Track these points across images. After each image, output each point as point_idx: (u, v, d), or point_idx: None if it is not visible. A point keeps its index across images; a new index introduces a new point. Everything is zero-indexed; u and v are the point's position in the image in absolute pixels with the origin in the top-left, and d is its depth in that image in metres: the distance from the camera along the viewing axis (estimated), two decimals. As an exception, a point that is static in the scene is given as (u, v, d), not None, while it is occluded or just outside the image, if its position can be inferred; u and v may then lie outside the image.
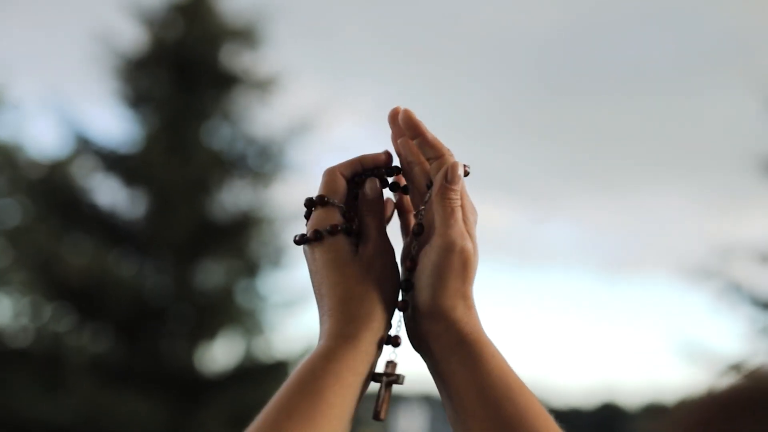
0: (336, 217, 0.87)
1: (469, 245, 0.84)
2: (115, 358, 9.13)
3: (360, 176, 0.91)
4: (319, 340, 0.83)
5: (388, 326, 0.85)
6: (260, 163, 10.04)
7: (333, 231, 0.86)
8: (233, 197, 9.91)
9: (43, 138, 12.77)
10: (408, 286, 0.86)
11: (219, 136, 10.02)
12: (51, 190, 9.81)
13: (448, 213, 0.85)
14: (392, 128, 0.93)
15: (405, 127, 0.91)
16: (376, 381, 0.83)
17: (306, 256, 0.88)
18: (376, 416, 0.83)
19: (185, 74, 9.92)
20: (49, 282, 9.22)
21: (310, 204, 0.89)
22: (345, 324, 0.82)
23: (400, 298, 0.87)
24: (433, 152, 0.89)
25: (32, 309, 11.70)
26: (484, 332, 0.84)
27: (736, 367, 0.40)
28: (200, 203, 9.61)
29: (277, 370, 9.56)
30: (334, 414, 0.76)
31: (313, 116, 10.21)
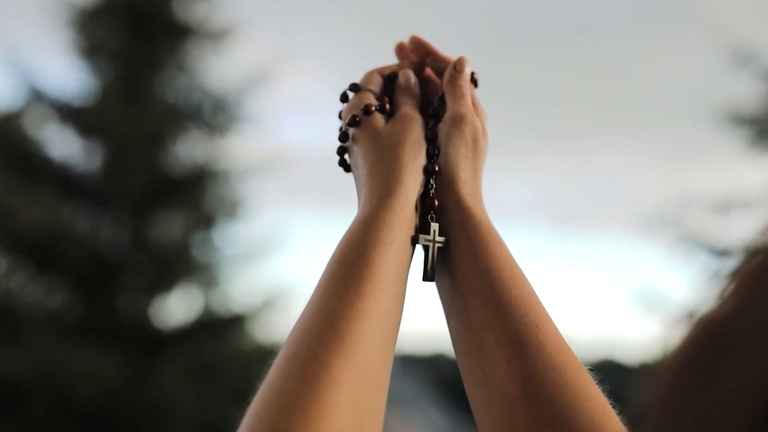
0: (370, 99, 0.91)
1: (478, 122, 0.90)
2: (71, 312, 9.10)
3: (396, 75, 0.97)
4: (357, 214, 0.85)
5: (422, 190, 0.86)
6: (216, 115, 9.98)
7: (367, 111, 0.89)
8: (189, 149, 9.86)
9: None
10: (434, 150, 0.88)
11: (174, 87, 9.94)
12: (3, 143, 9.68)
13: (459, 95, 0.92)
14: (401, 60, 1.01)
15: (414, 49, 1.00)
16: (419, 243, 0.83)
17: (349, 154, 0.91)
18: (426, 277, 0.84)
19: (140, 25, 9.80)
20: (3, 236, 9.13)
21: (345, 97, 0.94)
22: (377, 185, 0.84)
23: None
24: (445, 64, 0.97)
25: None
26: (491, 222, 0.85)
27: (689, 315, 0.40)
28: (156, 156, 9.55)
29: (234, 323, 9.59)
30: (382, 274, 0.76)
31: (269, 68, 10.16)
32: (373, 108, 0.89)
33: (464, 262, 0.82)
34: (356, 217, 0.82)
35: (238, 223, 10.08)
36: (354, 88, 0.93)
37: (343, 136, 0.91)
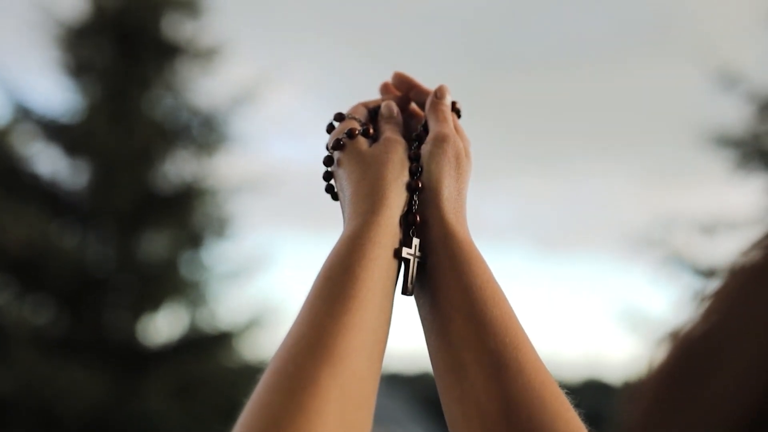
0: (354, 125, 0.94)
1: (460, 142, 0.92)
2: (57, 329, 9.07)
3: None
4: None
5: (406, 207, 0.87)
6: (203, 133, 9.99)
7: (351, 134, 0.92)
8: (176, 168, 9.85)
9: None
10: (417, 168, 0.90)
11: (162, 106, 9.95)
12: (-9, 160, 9.67)
13: (441, 119, 0.94)
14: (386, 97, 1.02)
15: (398, 84, 1.03)
16: (401, 258, 0.84)
17: (335, 179, 0.93)
18: (405, 291, 0.85)
19: (127, 43, 9.82)
20: (-10, 253, 9.11)
21: (331, 127, 0.96)
22: (361, 202, 0.85)
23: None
24: (428, 96, 0.99)
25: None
26: (473, 241, 0.87)
27: (671, 334, 0.41)
28: (143, 174, 9.54)
29: (221, 341, 9.57)
30: (368, 289, 0.77)
31: (256, 87, 10.18)
32: (357, 132, 0.92)
33: (446, 279, 0.83)
34: (342, 235, 0.83)
35: (225, 242, 10.08)
36: (339, 117, 0.96)
37: (328, 160, 0.93)
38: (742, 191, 10.91)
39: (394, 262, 0.83)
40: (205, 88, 10.16)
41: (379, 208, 0.84)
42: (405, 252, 0.84)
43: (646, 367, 0.40)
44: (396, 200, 0.86)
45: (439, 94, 0.97)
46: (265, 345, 9.71)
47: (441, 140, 0.90)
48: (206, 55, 10.18)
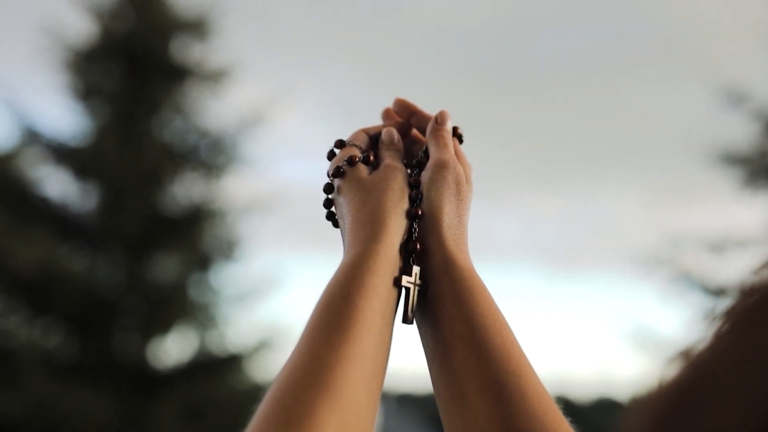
0: (355, 152, 0.93)
1: (460, 169, 0.91)
2: (67, 352, 9.08)
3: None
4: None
5: (406, 234, 0.87)
6: (212, 155, 10.01)
7: (351, 161, 0.91)
8: (185, 190, 9.87)
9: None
10: (417, 195, 0.89)
11: (170, 128, 9.98)
12: (0, 183, 9.70)
13: (441, 144, 0.93)
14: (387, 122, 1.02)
15: (399, 110, 1.02)
16: (402, 286, 0.83)
17: (335, 206, 0.93)
18: (406, 320, 0.84)
19: (136, 66, 9.86)
20: (0, 277, 9.12)
21: (332, 154, 0.95)
22: (361, 230, 0.85)
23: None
24: (429, 122, 0.98)
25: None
26: (474, 269, 0.86)
27: (682, 353, 0.41)
28: (152, 196, 9.56)
29: (231, 363, 9.55)
30: (366, 319, 0.76)
31: (264, 109, 10.21)
32: (357, 159, 0.91)
33: (447, 307, 0.82)
34: (341, 263, 0.83)
35: (234, 263, 10.09)
36: (339, 144, 0.95)
37: (328, 188, 0.93)
38: (749, 209, 10.91)
39: (394, 291, 0.82)
40: (213, 110, 10.19)
41: (379, 236, 0.84)
42: (405, 280, 0.83)
43: (654, 385, 0.40)
44: (396, 228, 0.85)
45: (439, 119, 0.96)
46: (275, 367, 9.69)
47: (441, 167, 0.90)
48: (214, 78, 10.21)
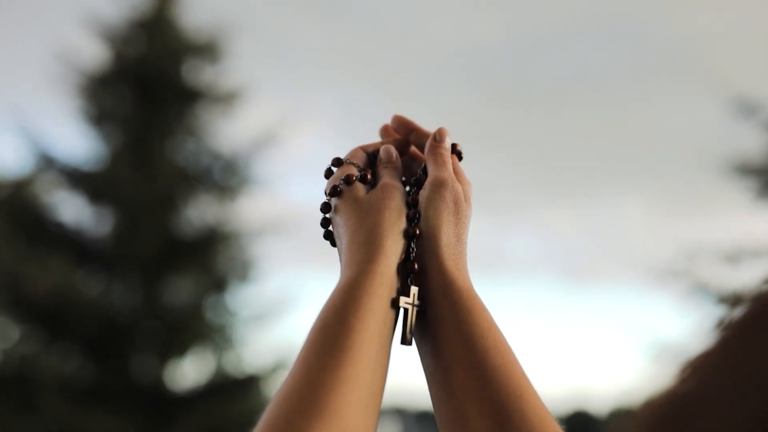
0: (352, 171, 0.92)
1: (459, 187, 0.89)
2: (84, 377, 9.08)
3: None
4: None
5: (404, 255, 0.85)
6: (226, 177, 10.03)
7: (348, 180, 0.90)
8: (199, 212, 9.89)
9: (4, 157, 12.66)
10: (414, 214, 0.88)
11: (184, 151, 10.00)
12: (16, 209, 9.74)
13: (439, 162, 0.91)
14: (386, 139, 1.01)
15: (397, 128, 1.00)
16: (399, 307, 0.82)
17: (333, 226, 0.91)
18: (404, 341, 0.83)
19: (148, 90, 9.90)
20: (16, 302, 9.15)
21: (329, 172, 0.94)
22: (357, 251, 0.83)
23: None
24: (428, 139, 0.96)
25: (0, 331, 11.62)
26: (474, 289, 0.84)
27: (685, 362, 0.41)
28: (167, 219, 9.58)
29: (248, 385, 9.54)
30: (361, 339, 0.75)
31: (276, 130, 10.23)
32: (354, 178, 0.90)
33: (446, 328, 0.81)
34: (337, 285, 0.81)
35: (250, 285, 10.08)
36: (337, 162, 0.94)
37: (325, 207, 0.91)
38: (764, 219, 10.87)
39: (391, 312, 0.81)
40: (226, 132, 10.22)
41: (376, 256, 0.82)
42: (403, 301, 0.82)
43: (655, 393, 0.40)
44: (393, 248, 0.84)
45: (438, 137, 0.94)
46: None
47: (439, 185, 0.88)
48: (226, 99, 10.25)
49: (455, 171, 0.93)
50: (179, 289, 9.58)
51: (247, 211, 10.10)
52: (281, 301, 10.03)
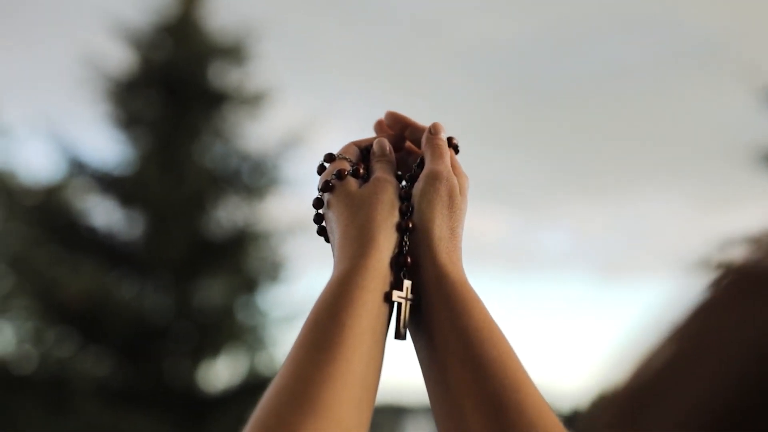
0: (344, 166, 0.91)
1: (454, 180, 0.88)
2: (118, 379, 9.13)
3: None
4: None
5: (397, 249, 0.84)
6: (254, 178, 10.06)
7: (340, 175, 0.89)
8: (229, 214, 9.92)
9: (36, 163, 12.77)
10: (407, 208, 0.87)
11: (212, 153, 10.04)
12: (48, 215, 9.82)
13: (437, 155, 0.90)
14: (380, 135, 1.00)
15: (392, 124, 0.99)
16: (392, 301, 0.81)
17: (326, 221, 0.90)
18: (398, 335, 0.82)
19: (175, 94, 9.94)
20: (50, 307, 9.22)
21: (321, 168, 0.93)
22: (349, 246, 0.83)
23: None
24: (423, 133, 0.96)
25: (35, 335, 11.72)
26: (468, 281, 0.83)
27: (645, 350, 0.40)
28: (196, 221, 9.62)
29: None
30: (354, 334, 0.74)
31: (304, 130, 10.24)
32: (346, 172, 0.89)
33: (440, 322, 0.80)
34: (329, 280, 0.81)
35: (280, 285, 10.10)
36: (329, 158, 0.93)
37: (318, 203, 0.90)
38: (797, 209, 10.78)
39: (384, 307, 0.80)
40: (253, 133, 10.25)
41: (368, 250, 0.81)
42: (396, 295, 0.81)
43: (616, 382, 0.39)
44: (385, 242, 0.83)
45: (433, 130, 0.93)
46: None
47: (433, 178, 0.87)
48: (254, 101, 10.27)
49: (452, 164, 0.92)
50: (210, 291, 9.61)
51: (276, 211, 10.13)
52: (312, 301, 10.02)
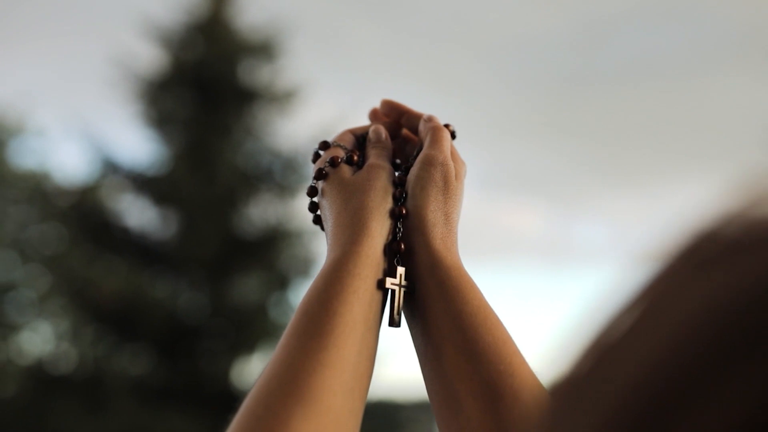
0: (338, 153, 0.90)
1: (450, 165, 0.86)
2: (154, 378, 9.19)
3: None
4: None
5: (390, 235, 0.83)
6: (286, 175, 10.07)
7: (333, 162, 0.88)
8: (261, 211, 9.95)
9: (70, 164, 12.90)
10: (401, 194, 0.86)
11: (243, 151, 10.07)
12: (82, 215, 9.90)
13: (435, 139, 0.88)
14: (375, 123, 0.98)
15: (387, 112, 0.98)
16: (386, 288, 0.80)
17: (320, 209, 0.89)
18: (392, 322, 0.81)
19: (207, 92, 9.98)
20: (86, 307, 9.29)
21: (316, 156, 0.92)
22: (341, 233, 0.82)
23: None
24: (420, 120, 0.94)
25: (72, 334, 11.84)
26: (463, 267, 0.82)
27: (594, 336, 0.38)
28: (229, 219, 9.66)
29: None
30: (345, 322, 0.73)
31: (335, 126, 10.24)
32: (339, 160, 0.88)
33: (435, 308, 0.79)
34: (321, 268, 0.80)
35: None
36: (324, 146, 0.92)
37: (312, 191, 0.90)
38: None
39: (377, 294, 0.79)
40: (285, 130, 10.27)
41: (360, 237, 0.80)
42: (389, 282, 0.80)
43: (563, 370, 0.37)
44: (378, 229, 0.82)
45: (427, 116, 0.93)
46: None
47: (427, 163, 0.86)
48: (284, 98, 10.29)
49: (452, 150, 0.90)
50: (244, 288, 9.64)
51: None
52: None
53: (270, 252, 9.76)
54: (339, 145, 0.91)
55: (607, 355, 0.31)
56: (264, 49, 10.31)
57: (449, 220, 0.84)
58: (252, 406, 0.68)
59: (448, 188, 0.85)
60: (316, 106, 10.70)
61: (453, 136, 0.94)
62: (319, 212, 0.90)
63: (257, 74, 10.30)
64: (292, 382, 0.68)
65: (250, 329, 9.42)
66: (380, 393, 10.17)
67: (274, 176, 10.04)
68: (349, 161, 0.89)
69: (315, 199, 0.90)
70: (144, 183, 9.91)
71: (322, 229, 0.90)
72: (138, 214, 9.99)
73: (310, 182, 0.91)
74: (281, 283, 9.84)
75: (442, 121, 0.93)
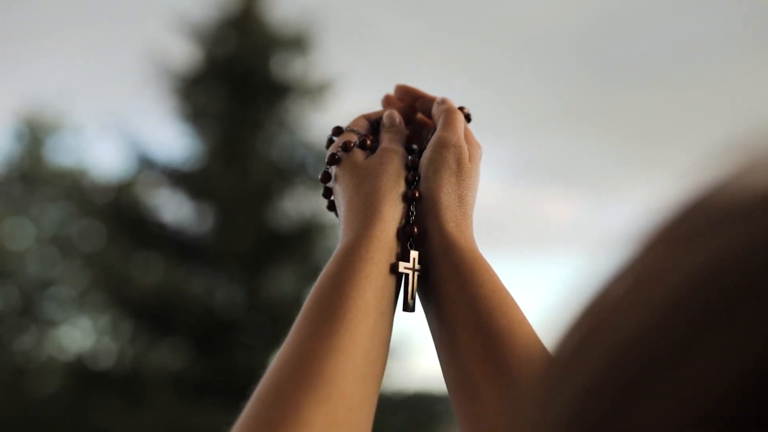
0: (352, 138, 0.88)
1: (464, 146, 0.85)
2: (192, 373, 9.24)
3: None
4: None
5: (403, 219, 0.82)
6: (319, 168, 10.06)
7: (346, 147, 0.86)
8: (295, 204, 9.97)
9: (106, 161, 13.00)
10: (414, 177, 0.84)
11: (277, 145, 10.09)
12: (119, 211, 9.97)
13: (448, 121, 0.87)
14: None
15: (401, 96, 0.97)
16: (399, 273, 0.79)
17: (334, 195, 0.88)
18: (406, 307, 0.80)
19: (240, 87, 10.02)
20: (124, 302, 9.35)
21: (330, 141, 0.90)
22: (354, 218, 0.80)
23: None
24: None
25: (111, 330, 11.93)
26: (478, 249, 0.81)
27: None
28: (264, 213, 9.69)
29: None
30: (357, 307, 0.72)
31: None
32: (353, 144, 0.87)
33: (449, 291, 0.77)
34: (334, 253, 0.79)
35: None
36: (337, 131, 0.91)
37: (325, 176, 0.88)
38: None
39: (390, 278, 0.78)
40: (318, 123, 10.28)
41: (373, 221, 0.79)
42: (402, 266, 0.79)
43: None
44: (391, 213, 0.81)
45: (441, 99, 0.92)
46: (397, 376, 9.66)
47: (441, 146, 0.84)
48: (317, 91, 10.31)
49: (465, 134, 0.88)
50: (280, 282, 9.67)
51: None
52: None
53: (305, 245, 9.78)
54: (352, 130, 0.90)
55: (602, 319, 0.30)
56: (296, 43, 10.33)
57: (463, 202, 0.83)
58: (263, 393, 0.67)
59: (462, 170, 0.84)
60: (349, 98, 10.71)
61: (468, 118, 0.92)
62: (333, 198, 0.88)
63: (290, 68, 10.32)
64: (303, 368, 0.67)
65: (286, 323, 9.38)
66: (417, 385, 10.16)
67: (307, 169, 10.06)
68: (362, 146, 0.87)
69: (329, 185, 0.89)
70: (179, 178, 9.96)
71: (337, 215, 0.88)
72: (174, 209, 10.06)
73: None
74: (316, 276, 9.75)
75: (456, 104, 0.92)
